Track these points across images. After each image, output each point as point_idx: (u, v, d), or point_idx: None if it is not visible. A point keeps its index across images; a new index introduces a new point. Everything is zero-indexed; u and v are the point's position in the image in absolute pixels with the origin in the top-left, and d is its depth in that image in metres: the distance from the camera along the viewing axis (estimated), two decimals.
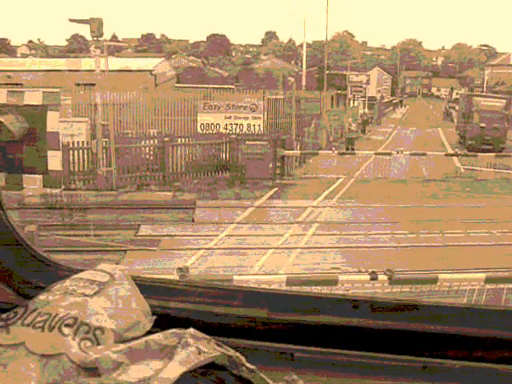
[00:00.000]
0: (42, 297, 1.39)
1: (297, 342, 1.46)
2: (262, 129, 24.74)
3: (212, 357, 1.20)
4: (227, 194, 19.97)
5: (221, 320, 1.55)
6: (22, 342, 1.30)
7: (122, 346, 1.28)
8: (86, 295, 1.37)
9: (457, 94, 44.68)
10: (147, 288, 1.51)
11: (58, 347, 1.27)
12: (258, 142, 22.02)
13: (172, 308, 1.59)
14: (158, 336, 1.29)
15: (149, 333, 1.36)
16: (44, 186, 14.10)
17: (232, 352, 1.22)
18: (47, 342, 1.29)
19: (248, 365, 1.21)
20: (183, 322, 1.39)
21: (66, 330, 1.30)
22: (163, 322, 1.43)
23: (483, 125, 28.89)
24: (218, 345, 1.26)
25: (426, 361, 1.42)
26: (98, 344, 1.29)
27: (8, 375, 1.24)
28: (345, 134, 28.71)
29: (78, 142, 19.68)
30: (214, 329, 1.41)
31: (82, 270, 1.47)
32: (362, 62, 49.07)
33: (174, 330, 1.30)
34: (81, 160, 19.84)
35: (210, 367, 1.21)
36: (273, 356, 1.43)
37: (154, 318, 1.43)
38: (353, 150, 26.33)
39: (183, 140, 22.88)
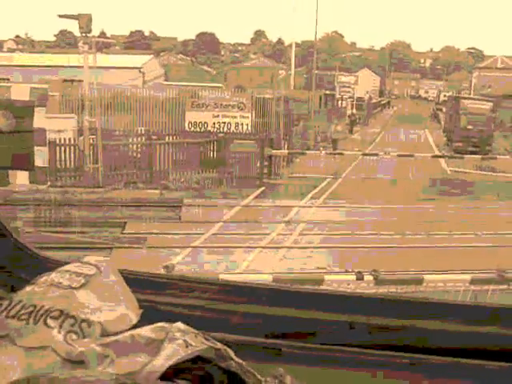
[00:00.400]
0: (27, 289, 1.37)
1: (284, 337, 1.46)
2: (249, 128, 24.74)
3: (199, 350, 1.19)
4: (214, 192, 19.96)
5: (208, 314, 1.54)
6: (7, 335, 1.28)
7: (108, 340, 1.26)
8: (73, 287, 1.35)
9: (444, 96, 44.95)
10: (134, 281, 1.50)
11: (44, 340, 1.26)
12: (245, 141, 22.05)
13: (159, 302, 1.58)
14: (144, 330, 1.28)
15: (135, 327, 1.35)
16: (30, 182, 14.03)
17: (220, 345, 1.21)
18: (32, 334, 1.27)
19: (236, 358, 1.20)
20: (170, 316, 1.38)
21: (51, 323, 1.28)
22: (150, 315, 1.41)
23: (470, 127, 29.08)
24: (206, 339, 1.25)
25: (414, 356, 1.42)
26: (84, 337, 1.28)
27: None
28: (325, 135, 28.70)
29: (64, 139, 19.60)
30: (201, 323, 1.40)
31: (68, 263, 1.46)
32: (351, 62, 49.19)
33: (160, 324, 1.29)
34: (67, 157, 19.76)
35: (197, 361, 1.20)
36: (260, 351, 1.42)
37: (141, 311, 1.42)
38: (335, 150, 26.36)
39: (171, 138, 22.86)
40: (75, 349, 1.24)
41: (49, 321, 1.28)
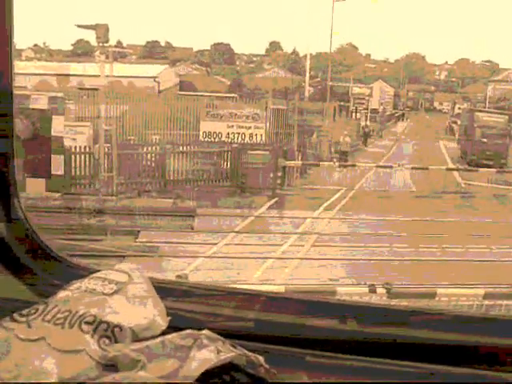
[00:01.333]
0: (61, 295, 1.43)
1: (308, 346, 1.49)
2: (263, 138, 24.78)
3: (231, 356, 1.24)
4: (227, 202, 19.98)
5: (233, 323, 1.58)
6: (43, 338, 1.33)
7: (139, 345, 1.31)
8: (105, 294, 1.40)
9: (459, 108, 44.79)
10: (161, 289, 1.55)
11: (78, 344, 1.31)
12: (259, 152, 22.06)
13: (185, 309, 1.62)
14: (173, 336, 1.32)
15: (163, 333, 1.40)
16: (46, 190, 14.13)
17: (249, 353, 1.26)
18: (67, 338, 1.32)
19: (265, 365, 1.24)
20: (195, 324, 1.42)
21: (85, 328, 1.33)
22: (176, 322, 1.46)
23: (485, 140, 28.96)
24: (233, 346, 1.29)
25: (433, 368, 1.45)
26: (117, 342, 1.33)
27: (29, 369, 1.28)
28: (339, 147, 28.47)
29: (80, 147, 19.72)
30: (225, 331, 1.44)
31: (98, 270, 1.51)
32: (366, 74, 49.21)
33: (188, 331, 1.33)
34: (83, 165, 19.87)
35: (226, 367, 1.24)
36: (284, 359, 1.46)
37: (169, 318, 1.46)
38: (346, 161, 26.15)
39: (185, 148, 22.94)
40: (108, 353, 1.29)
41: (83, 326, 1.33)
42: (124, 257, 13.72)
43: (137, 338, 1.36)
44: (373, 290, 10.88)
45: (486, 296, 10.76)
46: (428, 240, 15.31)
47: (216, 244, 14.87)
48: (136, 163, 21.03)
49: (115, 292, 1.41)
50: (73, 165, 19.36)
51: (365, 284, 11.24)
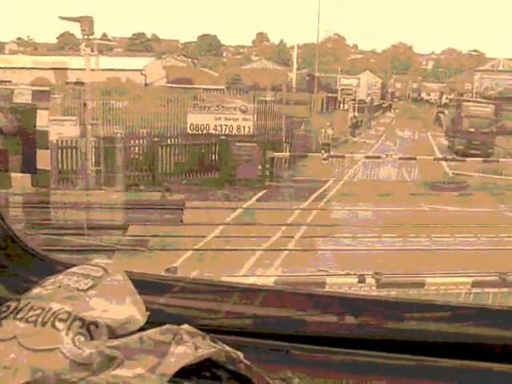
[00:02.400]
0: (35, 291, 1.38)
1: (292, 340, 1.46)
2: (251, 130, 24.71)
3: (209, 353, 1.19)
4: (216, 195, 19.95)
5: (214, 317, 1.54)
6: (14, 337, 1.28)
7: (116, 342, 1.26)
8: (80, 290, 1.35)
9: (446, 98, 44.89)
10: (140, 283, 1.50)
11: (51, 342, 1.26)
12: (247, 144, 22.02)
13: (165, 304, 1.58)
14: (152, 332, 1.28)
15: (142, 328, 1.35)
16: (32, 185, 14.03)
17: (229, 348, 1.22)
18: (40, 336, 1.27)
19: (245, 361, 1.20)
20: (176, 319, 1.38)
21: (59, 325, 1.28)
22: (156, 317, 1.42)
23: (472, 130, 29.06)
24: (214, 341, 1.25)
25: (421, 359, 1.42)
26: (92, 339, 1.28)
27: (0, 370, 1.23)
28: (321, 139, 28.25)
29: (66, 141, 19.60)
30: (207, 325, 1.40)
31: (75, 265, 1.46)
32: (353, 65, 49.19)
33: (168, 326, 1.29)
34: (69, 159, 19.76)
35: (206, 363, 1.20)
36: (268, 353, 1.42)
37: (148, 313, 1.42)
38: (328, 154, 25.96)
39: (172, 140, 22.86)
40: (83, 351, 1.24)
41: (57, 323, 1.29)
42: (113, 251, 13.67)
43: (114, 335, 1.31)
44: (362, 280, 10.91)
45: (474, 284, 10.82)
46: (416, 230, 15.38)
47: (205, 237, 14.85)
48: (123, 157, 20.93)
49: (91, 287, 1.36)
50: (59, 159, 19.25)
51: (354, 274, 11.27)
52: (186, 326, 1.29)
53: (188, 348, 1.19)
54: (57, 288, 1.36)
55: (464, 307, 1.78)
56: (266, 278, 11.67)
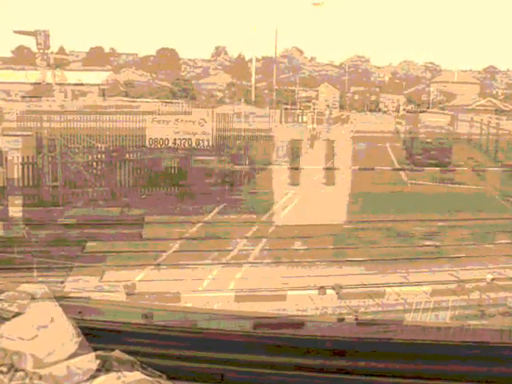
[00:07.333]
0: None
1: (228, 363, 1.42)
2: (210, 144, 24.66)
3: (133, 382, 1.15)
4: (176, 209, 19.83)
5: (149, 339, 1.50)
6: None
7: (42, 372, 1.21)
8: (4, 318, 1.30)
9: (404, 109, 45.59)
10: (73, 308, 1.45)
11: None
12: (206, 158, 21.98)
13: (100, 328, 1.53)
14: (80, 360, 1.23)
15: (74, 354, 1.30)
16: None
17: (156, 375, 1.18)
18: None
19: None
20: (111, 340, 1.34)
21: None
22: (91, 341, 1.37)
23: (429, 140, 29.53)
24: (143, 367, 1.21)
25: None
26: (16, 370, 1.22)
27: None
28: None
29: (23, 157, 19.28)
30: (142, 349, 1.36)
31: (1, 292, 1.40)
32: (311, 77, 49.61)
33: (98, 353, 1.25)
34: (26, 175, 19.44)
35: None
36: (202, 376, 1.39)
37: (80, 339, 1.37)
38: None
39: (131, 155, 22.67)
40: None
41: None
42: (71, 268, 13.46)
43: (40, 365, 1.26)
44: (322, 293, 10.93)
45: (433, 293, 10.95)
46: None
47: (165, 252, 14.72)
48: (82, 172, 20.67)
49: (15, 315, 1.30)
50: (15, 176, 18.91)
51: (314, 286, 11.29)
52: (116, 352, 1.25)
53: (109, 378, 1.15)
54: None
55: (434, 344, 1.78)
56: (227, 293, 11.63)
